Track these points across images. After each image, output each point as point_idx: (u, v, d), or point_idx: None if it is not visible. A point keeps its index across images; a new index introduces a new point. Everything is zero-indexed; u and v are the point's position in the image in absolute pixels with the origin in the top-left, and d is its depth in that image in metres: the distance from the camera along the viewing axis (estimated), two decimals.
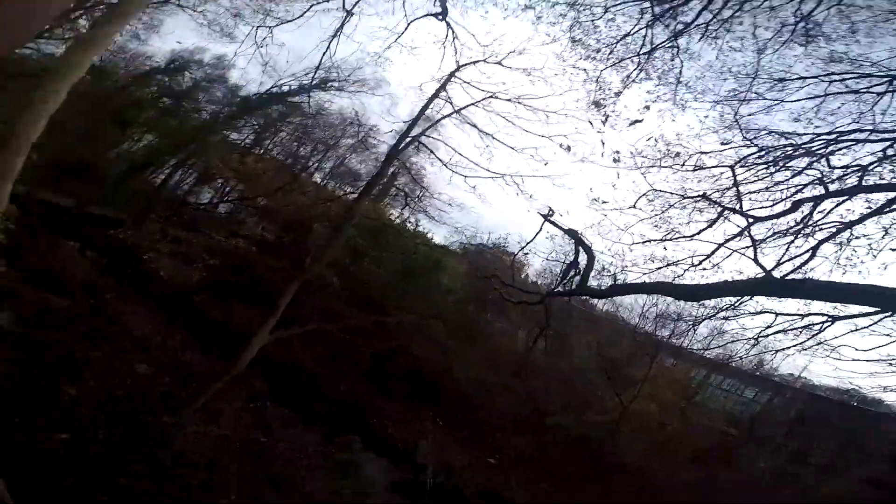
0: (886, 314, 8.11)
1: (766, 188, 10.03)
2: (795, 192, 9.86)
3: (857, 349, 9.75)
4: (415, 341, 18.68)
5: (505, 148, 15.95)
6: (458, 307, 21.35)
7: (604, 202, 11.85)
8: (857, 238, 9.49)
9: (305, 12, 14.70)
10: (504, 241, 22.24)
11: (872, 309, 7.83)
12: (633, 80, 10.99)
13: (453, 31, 15.17)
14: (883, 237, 9.20)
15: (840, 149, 8.85)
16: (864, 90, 8.31)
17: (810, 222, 9.90)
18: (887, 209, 8.70)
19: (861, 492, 16.41)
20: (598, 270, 12.73)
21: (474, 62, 16.17)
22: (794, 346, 10.72)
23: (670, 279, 11.58)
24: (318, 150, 27.24)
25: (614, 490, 15.68)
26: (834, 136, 8.75)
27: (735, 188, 9.86)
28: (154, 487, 8.22)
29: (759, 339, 11.33)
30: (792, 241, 10.03)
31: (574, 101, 14.55)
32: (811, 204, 9.75)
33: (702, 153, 10.47)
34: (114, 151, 22.14)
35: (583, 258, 11.52)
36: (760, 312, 11.11)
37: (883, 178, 8.78)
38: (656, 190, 11.05)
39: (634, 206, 11.28)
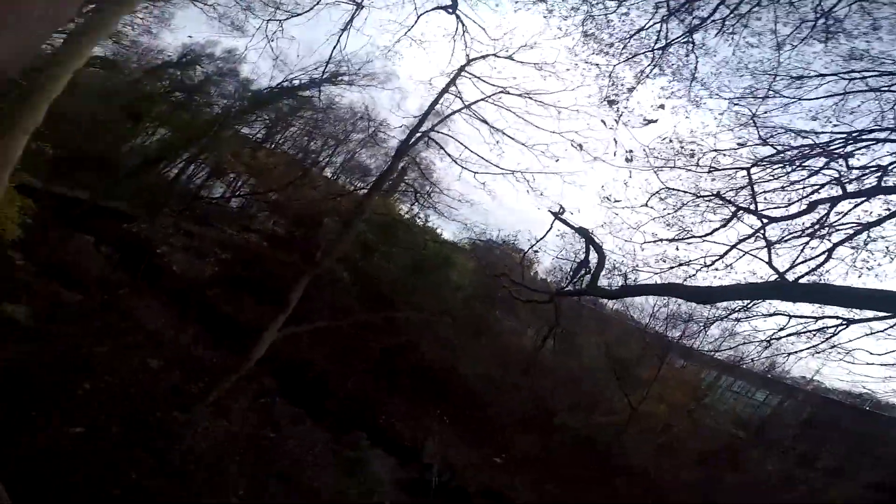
0: None
1: (782, 188, 9.76)
2: (812, 193, 9.58)
3: (871, 353, 9.55)
4: (423, 338, 18.65)
5: (515, 144, 15.76)
6: (467, 304, 21.24)
7: (616, 200, 11.65)
8: (874, 240, 9.23)
9: (315, 5, 14.56)
10: (514, 239, 22.05)
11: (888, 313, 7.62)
12: (647, 76, 10.74)
13: (463, 25, 14.96)
14: None
15: (859, 148, 8.57)
16: (885, 88, 8.04)
17: (826, 224, 9.65)
18: None
19: (868, 496, 16.19)
20: (608, 269, 12.53)
21: (484, 56, 15.94)
22: (807, 348, 10.48)
23: (682, 279, 11.34)
24: (329, 145, 27.28)
25: (620, 491, 15.58)
26: (853, 135, 8.48)
27: (750, 188, 9.62)
28: (164, 483, 8.30)
29: (772, 341, 11.14)
30: (807, 243, 9.76)
31: (586, 96, 14.33)
32: (828, 205, 9.49)
33: (716, 151, 10.22)
34: (127, 145, 22.34)
35: (593, 257, 11.33)
36: (773, 314, 10.86)
37: None
38: (669, 188, 10.80)
39: (646, 205, 11.06)
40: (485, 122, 16.07)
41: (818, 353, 10.52)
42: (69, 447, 8.04)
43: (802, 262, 9.61)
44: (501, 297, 19.90)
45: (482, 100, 16.08)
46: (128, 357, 11.12)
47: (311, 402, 13.99)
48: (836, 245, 9.37)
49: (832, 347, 9.99)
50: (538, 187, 15.43)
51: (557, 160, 15.34)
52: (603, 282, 12.11)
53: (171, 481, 8.50)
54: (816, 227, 9.67)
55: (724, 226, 10.63)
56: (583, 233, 11.71)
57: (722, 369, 22.40)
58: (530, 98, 15.43)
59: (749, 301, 10.81)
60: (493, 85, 15.93)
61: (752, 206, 10.04)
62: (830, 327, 9.61)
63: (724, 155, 10.11)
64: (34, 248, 12.84)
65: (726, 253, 10.59)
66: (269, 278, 17.43)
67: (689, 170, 10.57)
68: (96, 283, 13.78)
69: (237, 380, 11.95)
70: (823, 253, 9.39)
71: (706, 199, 10.42)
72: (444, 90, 16.20)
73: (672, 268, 11.49)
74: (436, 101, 16.34)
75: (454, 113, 16.49)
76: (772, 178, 9.68)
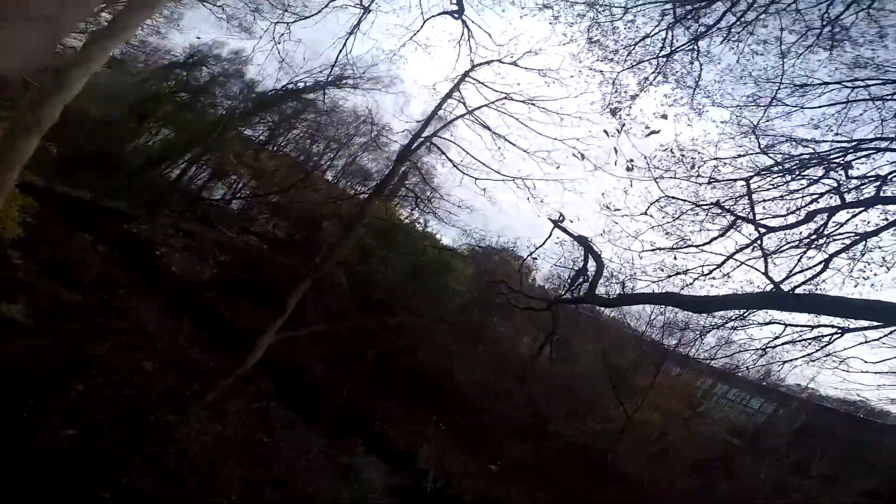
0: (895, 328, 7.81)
1: (781, 197, 9.70)
2: (811, 202, 9.53)
3: (865, 361, 9.49)
4: (420, 344, 18.49)
5: (517, 150, 15.71)
6: (464, 310, 21.09)
7: (615, 209, 11.54)
8: (871, 250, 9.16)
9: (323, 8, 14.53)
10: (513, 245, 21.97)
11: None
12: (651, 84, 10.67)
13: (469, 30, 14.92)
14: None
15: (859, 158, 8.49)
16: (888, 97, 7.96)
17: (824, 234, 9.56)
18: None
19: (863, 503, 16.09)
20: (606, 277, 12.46)
21: (489, 62, 15.91)
22: (802, 357, 10.39)
23: (679, 288, 11.26)
24: (331, 148, 27.21)
25: (615, 499, 15.41)
26: (853, 144, 8.39)
27: (748, 197, 9.52)
28: (157, 486, 8.11)
29: (767, 349, 11.03)
30: (804, 253, 9.69)
31: (589, 103, 14.26)
32: (826, 215, 9.42)
33: (717, 160, 10.13)
34: (131, 145, 22.23)
35: (592, 265, 11.22)
36: (769, 323, 10.82)
37: None
38: (668, 197, 10.71)
39: (646, 213, 10.96)
40: (487, 128, 16.04)
41: (813, 361, 10.43)
42: (61, 449, 7.86)
43: (799, 272, 9.52)
44: (499, 303, 19.78)
45: (485, 105, 16.04)
46: (124, 358, 10.94)
47: (306, 407, 13.78)
48: (832, 255, 9.28)
49: (827, 356, 9.91)
50: (539, 194, 15.38)
51: (558, 167, 15.30)
52: (601, 290, 12.01)
53: (164, 485, 8.31)
54: (814, 237, 9.58)
55: (722, 235, 10.54)
56: (582, 241, 11.60)
57: (717, 377, 22.29)
58: (533, 104, 15.42)
59: (745, 310, 10.72)
60: (497, 91, 15.93)
61: (751, 216, 9.95)
62: (825, 336, 9.51)
63: (725, 164, 10.03)
64: (34, 246, 12.65)
65: (724, 262, 10.48)
66: (267, 281, 17.27)
67: (690, 179, 10.47)
68: (95, 282, 13.60)
69: (233, 383, 11.78)
70: (820, 263, 9.31)
71: (705, 208, 10.34)
72: (448, 95, 16.16)
73: (670, 276, 11.41)
74: (439, 106, 16.30)
75: (457, 118, 16.46)
76: (772, 186, 9.62)
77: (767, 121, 9.57)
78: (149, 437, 8.93)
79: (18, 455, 7.28)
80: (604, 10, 10.18)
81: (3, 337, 9.51)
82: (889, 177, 8.47)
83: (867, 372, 9.70)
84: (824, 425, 20.53)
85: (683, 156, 10.42)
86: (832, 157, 8.68)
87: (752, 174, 9.49)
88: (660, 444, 18.48)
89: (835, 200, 9.22)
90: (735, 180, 9.85)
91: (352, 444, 12.99)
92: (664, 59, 10.05)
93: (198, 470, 8.87)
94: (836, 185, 9.09)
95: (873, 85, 7.99)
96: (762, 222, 9.94)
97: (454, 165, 16.31)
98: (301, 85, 21.43)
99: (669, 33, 9.56)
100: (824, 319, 9.54)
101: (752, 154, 9.63)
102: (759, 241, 9.91)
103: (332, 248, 16.56)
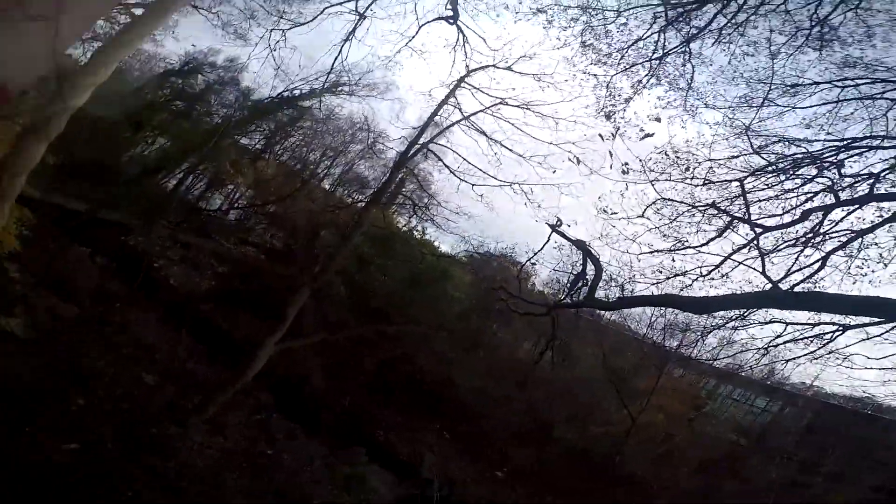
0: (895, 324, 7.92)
1: (776, 196, 9.83)
2: (806, 201, 9.67)
3: (868, 357, 9.54)
4: (420, 352, 18.55)
5: (513, 155, 15.83)
6: (463, 317, 21.15)
7: (612, 212, 11.67)
8: (867, 247, 9.27)
9: (318, 15, 14.73)
10: (511, 251, 22.03)
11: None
12: (644, 86, 10.86)
13: (464, 35, 15.08)
14: (895, 246, 8.99)
15: (851, 156, 8.65)
16: (878, 96, 8.13)
17: (820, 232, 9.70)
18: None
19: (872, 499, 16.12)
20: (605, 281, 12.51)
21: (484, 67, 16.03)
22: (805, 355, 10.47)
23: (678, 290, 11.36)
24: (328, 156, 27.34)
25: (623, 501, 15.46)
26: (845, 143, 8.56)
27: (743, 198, 9.67)
28: (160, 499, 8.20)
29: (769, 349, 11.11)
30: (801, 251, 9.81)
31: (584, 107, 14.39)
32: (821, 213, 9.56)
33: (711, 161, 10.28)
34: (127, 154, 22.32)
35: (590, 269, 11.33)
36: (770, 322, 10.90)
37: (895, 186, 8.59)
38: (665, 199, 10.85)
39: (643, 216, 11.11)
40: (483, 133, 16.15)
41: (816, 359, 10.52)
42: (64, 463, 7.95)
43: (797, 271, 9.65)
44: (499, 309, 19.87)
45: (481, 111, 16.17)
46: (123, 371, 11.05)
47: (307, 418, 13.86)
48: (829, 253, 9.41)
49: (829, 353, 9.98)
50: (536, 199, 15.46)
51: (555, 171, 15.40)
52: (600, 293, 12.08)
53: (167, 497, 8.40)
54: (810, 235, 9.72)
55: (719, 236, 10.66)
56: (580, 245, 11.72)
57: (721, 378, 22.34)
58: (528, 109, 15.54)
59: (745, 310, 10.83)
60: (492, 96, 16.03)
61: (747, 216, 10.10)
62: (827, 334, 9.60)
63: (719, 165, 10.18)
64: (32, 259, 12.71)
65: (721, 263, 10.60)
66: (266, 292, 17.37)
67: (685, 181, 10.62)
68: (93, 295, 13.71)
69: (233, 395, 11.86)
70: (817, 261, 9.43)
71: (701, 209, 10.47)
72: (444, 101, 16.28)
73: (668, 278, 11.51)
74: (435, 113, 16.42)
75: (453, 124, 16.56)
76: (766, 186, 9.76)
77: (760, 121, 9.74)
78: (151, 451, 9.02)
79: (21, 469, 7.37)
80: (597, 14, 10.37)
81: (1, 351, 9.61)
82: (882, 174, 8.63)
83: (871, 368, 9.76)
84: (831, 423, 20.56)
85: (678, 158, 10.58)
86: (825, 156, 8.84)
87: (746, 174, 9.64)
88: (665, 445, 18.53)
89: (829, 199, 9.36)
90: (730, 181, 10.00)
91: (355, 454, 13.05)
92: (657, 62, 10.24)
93: (201, 482, 8.96)
94: (829, 183, 9.25)
95: (863, 84, 8.18)
96: (758, 222, 10.08)
97: (451, 172, 16.43)
98: (297, 92, 21.61)
99: (661, 36, 9.76)
100: (825, 317, 9.64)
101: (745, 155, 9.79)
102: (755, 241, 10.03)
103: (330, 258, 16.65)
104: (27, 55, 4.95)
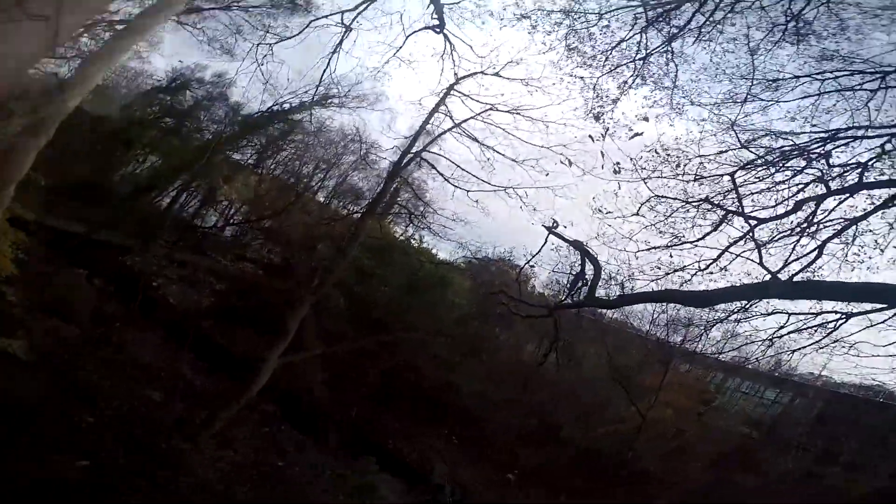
0: None
1: (768, 189, 10.18)
2: (797, 192, 10.01)
3: (874, 345, 9.69)
4: (422, 359, 18.81)
5: (506, 160, 16.16)
6: (464, 323, 21.41)
7: (607, 212, 12.01)
8: (862, 234, 9.57)
9: (304, 28, 15.15)
10: (509, 255, 22.30)
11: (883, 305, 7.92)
12: (630, 87, 11.27)
13: (451, 44, 15.46)
14: (889, 232, 9.26)
15: (838, 147, 9.04)
16: (858, 87, 8.53)
17: (814, 221, 10.02)
18: (891, 204, 8.82)
19: (888, 488, 16.31)
20: (605, 280, 12.79)
21: (472, 74, 16.42)
22: (810, 344, 10.70)
23: (678, 285, 11.61)
24: (321, 169, 27.67)
25: (636, 499, 15.64)
26: (830, 134, 8.95)
27: (735, 191, 10.03)
28: None
29: (774, 340, 11.35)
30: (797, 241, 10.11)
31: (572, 109, 14.73)
32: (813, 203, 9.90)
33: (701, 157, 10.65)
34: (118, 173, 22.57)
35: (589, 269, 11.64)
36: (772, 313, 11.03)
37: (884, 174, 8.94)
38: (658, 196, 11.19)
39: (637, 214, 11.43)
40: (475, 139, 16.49)
41: (822, 348, 10.77)
42: (76, 479, 8.23)
43: (794, 261, 9.96)
44: (500, 313, 20.13)
45: (472, 118, 16.51)
46: (129, 390, 11.36)
47: (314, 429, 14.14)
48: (825, 241, 9.72)
49: (834, 342, 10.22)
50: (530, 202, 15.77)
51: (548, 174, 15.71)
52: (600, 292, 12.38)
53: None
54: (805, 225, 10.06)
55: (714, 230, 10.98)
56: (577, 245, 12.02)
57: (728, 371, 22.58)
58: (518, 114, 15.90)
59: (747, 302, 11.12)
60: (482, 102, 16.38)
61: (740, 209, 10.45)
62: (830, 322, 9.87)
63: (709, 161, 10.54)
64: (29, 282, 12.91)
65: (719, 256, 10.91)
66: (265, 307, 17.67)
67: (677, 178, 10.98)
68: (92, 316, 14.00)
69: (239, 409, 12.14)
70: (814, 250, 9.75)
71: (695, 204, 10.81)
72: (434, 110, 16.63)
73: (668, 274, 11.79)
74: (426, 121, 16.75)
75: (445, 132, 16.88)
76: (757, 180, 10.12)
77: (745, 116, 10.13)
78: (163, 466, 9.31)
79: (35, 487, 7.64)
80: (579, 18, 10.80)
81: (5, 372, 9.89)
82: (869, 163, 9.02)
83: (878, 356, 9.90)
84: (843, 412, 20.76)
85: (668, 155, 10.94)
86: (812, 147, 9.22)
87: (736, 168, 9.99)
88: (677, 441, 18.73)
89: (820, 189, 9.71)
90: (721, 175, 10.34)
91: (365, 464, 13.30)
92: (641, 62, 10.67)
93: (213, 496, 9.23)
94: (819, 174, 9.63)
95: (841, 76, 8.58)
96: (752, 214, 10.44)
97: (445, 179, 16.73)
98: (287, 106, 21.98)
99: (643, 36, 10.20)
100: (827, 305, 9.95)
101: (733, 150, 10.14)
102: (751, 233, 10.39)
103: (328, 270, 16.94)
104: (26, 55, 5.14)
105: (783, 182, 9.93)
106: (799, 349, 11.22)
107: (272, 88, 18.81)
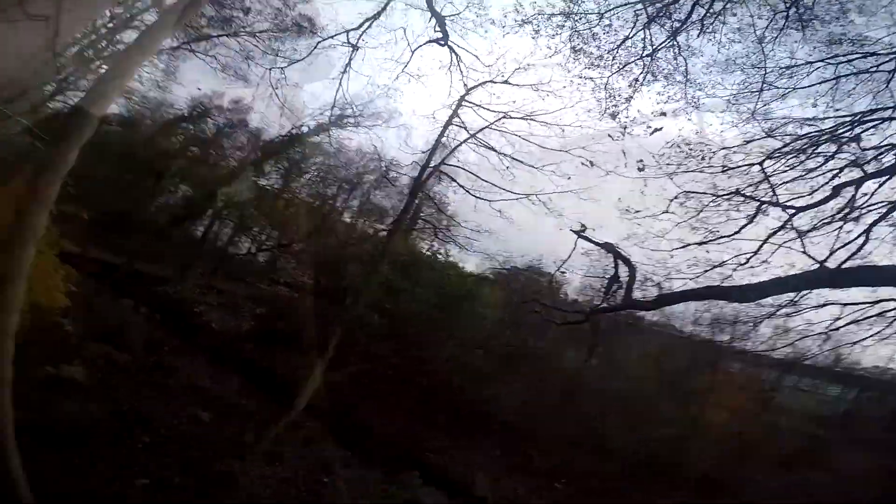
0: None
1: (801, 176, 10.25)
2: (833, 178, 10.03)
3: None
4: (459, 372, 19.15)
5: (525, 167, 16.42)
6: (498, 334, 21.64)
7: (636, 211, 12.21)
8: None
9: (313, 50, 16.00)
10: (538, 262, 22.43)
11: None
12: (642, 84, 11.57)
13: (457, 55, 15.96)
14: None
15: (866, 129, 9.11)
16: (874, 69, 8.63)
17: (856, 206, 9.98)
18: None
19: None
20: (641, 281, 12.90)
21: (482, 84, 16.86)
22: (871, 336, 10.56)
23: (719, 281, 11.64)
24: (344, 189, 28.56)
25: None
26: (857, 117, 9.03)
27: (767, 181, 10.14)
28: None
29: (830, 333, 11.22)
30: (841, 228, 10.07)
31: (587, 110, 14.95)
32: (852, 188, 9.89)
33: (726, 149, 10.83)
34: (153, 204, 23.97)
35: (623, 271, 11.85)
36: (825, 305, 10.95)
37: None
38: (687, 192, 11.37)
39: (667, 211, 11.62)
40: (492, 148, 16.87)
41: (885, 339, 10.56)
42: (136, 498, 9.01)
43: (841, 248, 9.92)
44: (534, 322, 20.22)
45: (486, 127, 16.91)
46: (181, 411, 12.29)
47: (357, 445, 14.72)
48: (871, 225, 9.70)
49: None
50: (555, 208, 15.95)
51: (570, 178, 15.92)
52: (637, 294, 12.52)
53: None
54: (846, 210, 10.05)
55: (750, 222, 11.05)
56: (608, 248, 12.27)
57: (783, 368, 21.96)
58: (532, 119, 16.24)
59: (795, 294, 11.01)
60: (495, 111, 16.79)
61: (775, 199, 10.52)
62: (890, 311, 9.76)
63: (734, 151, 10.72)
64: (80, 313, 13.87)
65: (759, 248, 10.95)
66: (304, 328, 18.47)
67: (703, 171, 11.15)
68: (142, 343, 15.12)
69: (286, 428, 12.89)
70: (860, 235, 9.72)
71: (726, 197, 10.94)
72: (448, 122, 17.13)
73: (706, 271, 11.82)
74: (441, 134, 17.26)
75: (461, 144, 17.36)
76: (788, 168, 10.21)
77: (764, 105, 10.29)
78: (217, 484, 10.05)
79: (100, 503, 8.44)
80: (580, 19, 11.20)
81: (68, 395, 10.89)
82: None
83: None
84: None
85: (691, 149, 11.16)
86: (839, 132, 9.31)
87: (764, 158, 10.13)
88: (736, 443, 18.28)
89: (857, 173, 9.75)
90: (749, 165, 10.50)
91: (408, 478, 13.74)
92: (649, 59, 10.98)
93: None
94: (853, 158, 9.68)
95: (855, 59, 8.70)
96: (788, 204, 10.50)
97: (466, 191, 17.18)
98: (305, 129, 22.96)
99: (647, 32, 10.54)
100: (884, 294, 9.84)
101: (758, 139, 10.28)
102: (790, 223, 10.43)
103: (359, 290, 17.51)
104: (26, 55, 5.36)
105: (816, 168, 10.00)
106: (859, 341, 11.08)
107: (289, 112, 19.77)
